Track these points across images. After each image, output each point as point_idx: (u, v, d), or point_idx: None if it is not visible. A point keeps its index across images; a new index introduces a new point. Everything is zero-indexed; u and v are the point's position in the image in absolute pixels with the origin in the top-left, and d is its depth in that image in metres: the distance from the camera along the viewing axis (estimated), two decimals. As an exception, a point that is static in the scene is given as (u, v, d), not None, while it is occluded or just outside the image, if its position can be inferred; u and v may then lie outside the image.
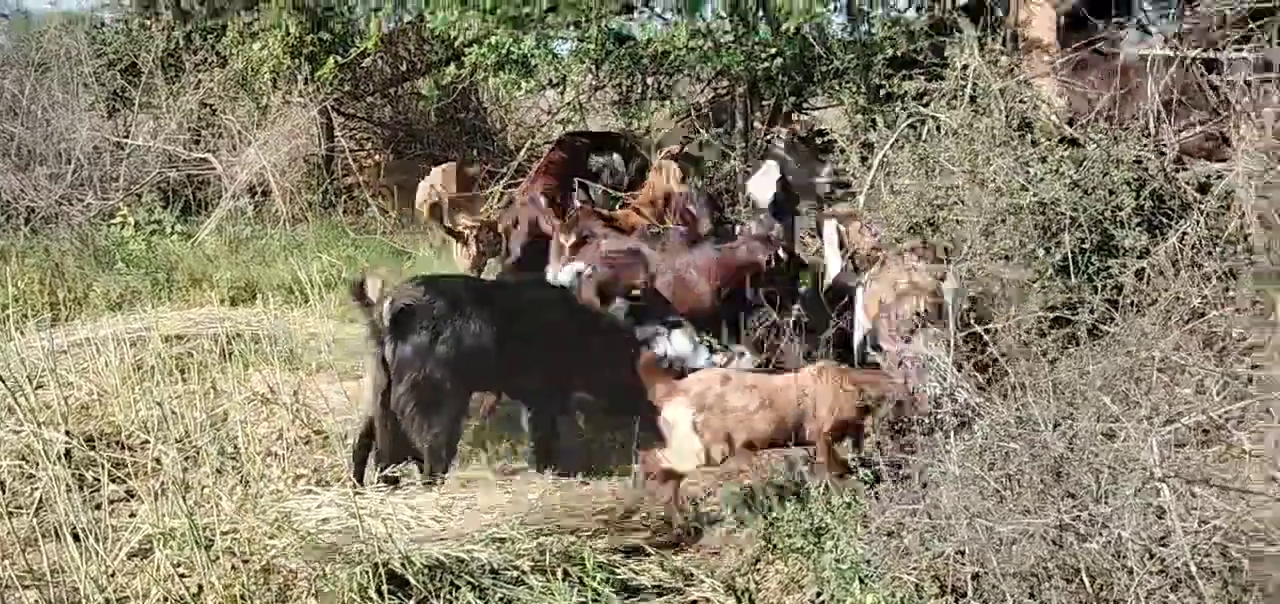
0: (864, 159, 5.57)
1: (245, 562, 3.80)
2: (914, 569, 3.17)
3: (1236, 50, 4.74)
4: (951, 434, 3.33)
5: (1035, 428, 3.08)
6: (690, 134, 7.80)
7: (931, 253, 4.76)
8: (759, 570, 4.02)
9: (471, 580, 3.74)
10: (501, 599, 3.71)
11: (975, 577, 3.05)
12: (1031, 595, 2.95)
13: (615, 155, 7.88)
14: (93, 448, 4.84)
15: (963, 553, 3.08)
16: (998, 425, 3.19)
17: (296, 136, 10.08)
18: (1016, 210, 4.36)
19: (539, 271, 6.18)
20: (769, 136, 7.29)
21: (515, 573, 3.84)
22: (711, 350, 5.21)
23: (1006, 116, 4.80)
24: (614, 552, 4.09)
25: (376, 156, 11.31)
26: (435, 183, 7.54)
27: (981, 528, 2.95)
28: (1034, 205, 4.37)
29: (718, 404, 4.27)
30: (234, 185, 9.75)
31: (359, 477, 4.54)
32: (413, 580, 3.66)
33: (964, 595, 3.05)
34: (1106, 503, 2.92)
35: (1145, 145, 4.72)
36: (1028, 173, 4.47)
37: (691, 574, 4.03)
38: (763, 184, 6.30)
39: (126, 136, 10.41)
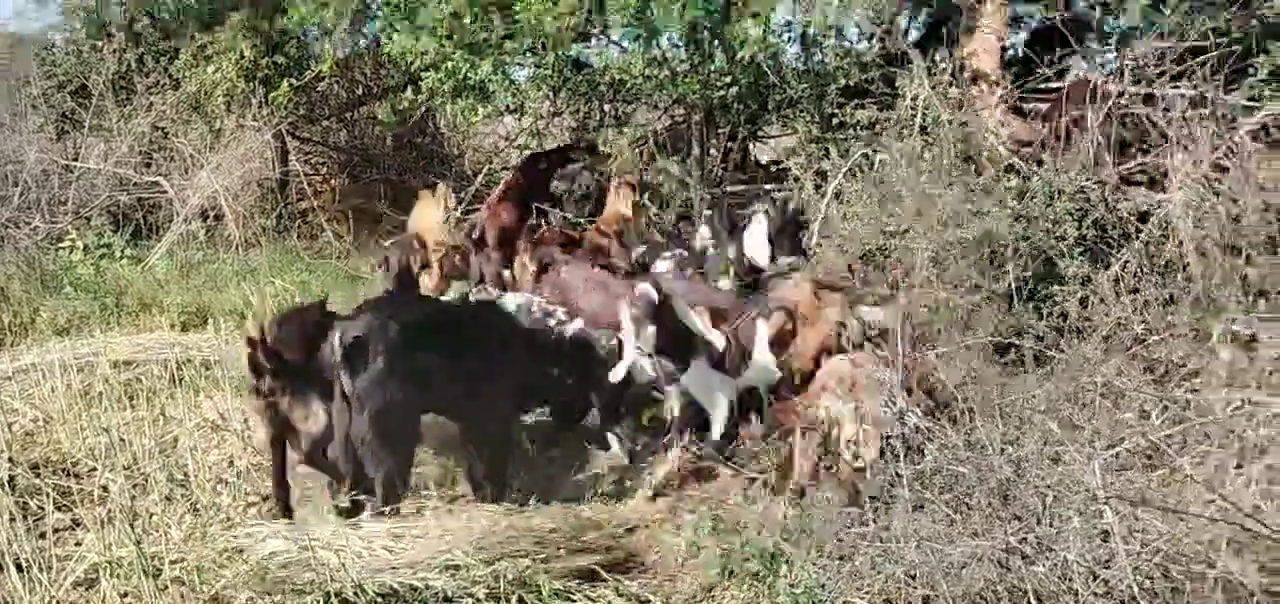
0: (818, 187, 5.66)
1: (194, 592, 3.75)
2: (866, 592, 3.21)
3: (1173, 86, 4.89)
4: (901, 458, 3.38)
5: (983, 451, 3.14)
6: (648, 162, 7.85)
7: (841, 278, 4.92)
8: (714, 597, 4.03)
9: (426, 609, 3.72)
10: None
11: (926, 599, 3.09)
12: (985, 615, 3.01)
13: (577, 177, 7.88)
14: (38, 475, 4.75)
15: (913, 576, 3.13)
16: (947, 449, 3.25)
17: (250, 160, 9.99)
18: (963, 240, 4.45)
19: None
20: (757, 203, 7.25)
21: (470, 600, 3.83)
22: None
23: (954, 148, 4.91)
24: (568, 577, 4.09)
25: (332, 181, 11.24)
26: (448, 200, 7.41)
27: (931, 551, 3.00)
28: (980, 235, 4.47)
29: (868, 387, 4.07)
30: (186, 209, 9.63)
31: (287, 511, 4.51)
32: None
33: (915, 618, 3.10)
34: (1052, 525, 2.99)
35: (1087, 176, 4.85)
36: (973, 203, 4.57)
37: (648, 600, 4.04)
38: (758, 240, 6.28)
39: (76, 159, 10.25)
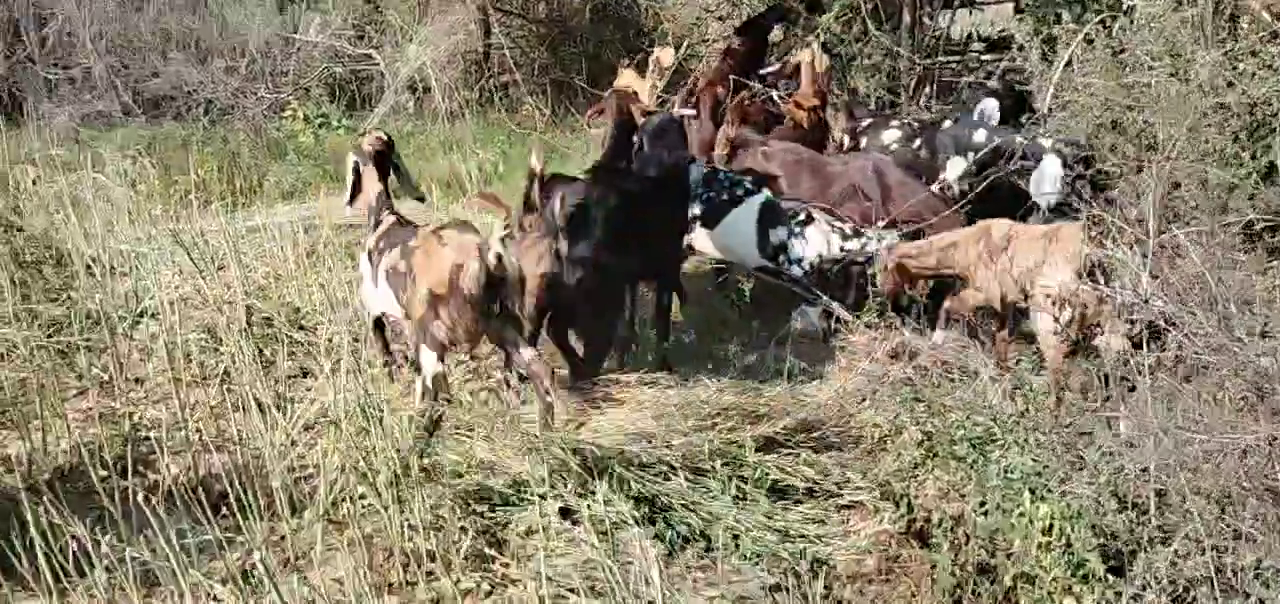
0: (1045, 57, 5.21)
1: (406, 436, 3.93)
2: (1092, 483, 3.01)
3: None
4: (1145, 345, 3.11)
5: (1240, 342, 2.85)
6: (859, 33, 7.45)
7: None
8: (917, 477, 3.91)
9: (625, 473, 3.77)
10: (653, 492, 3.72)
11: (1160, 493, 2.87)
12: (1221, 516, 2.76)
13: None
14: (270, 326, 5.09)
15: (1146, 470, 2.91)
16: (1196, 336, 2.96)
17: (455, 33, 10.22)
18: (1222, 109, 4.00)
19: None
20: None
21: (664, 468, 3.86)
22: (845, 237, 5.12)
23: (1215, 6, 4.38)
24: (763, 450, 4.07)
25: (532, 54, 11.36)
26: (665, 60, 7.29)
27: (1173, 444, 2.76)
28: (1242, 104, 4.00)
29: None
30: (396, 81, 9.98)
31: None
32: (568, 470, 3.72)
33: (1145, 511, 2.88)
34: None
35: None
36: (1236, 68, 4.09)
37: (847, 477, 3.97)
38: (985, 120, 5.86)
39: (295, 32, 10.76)
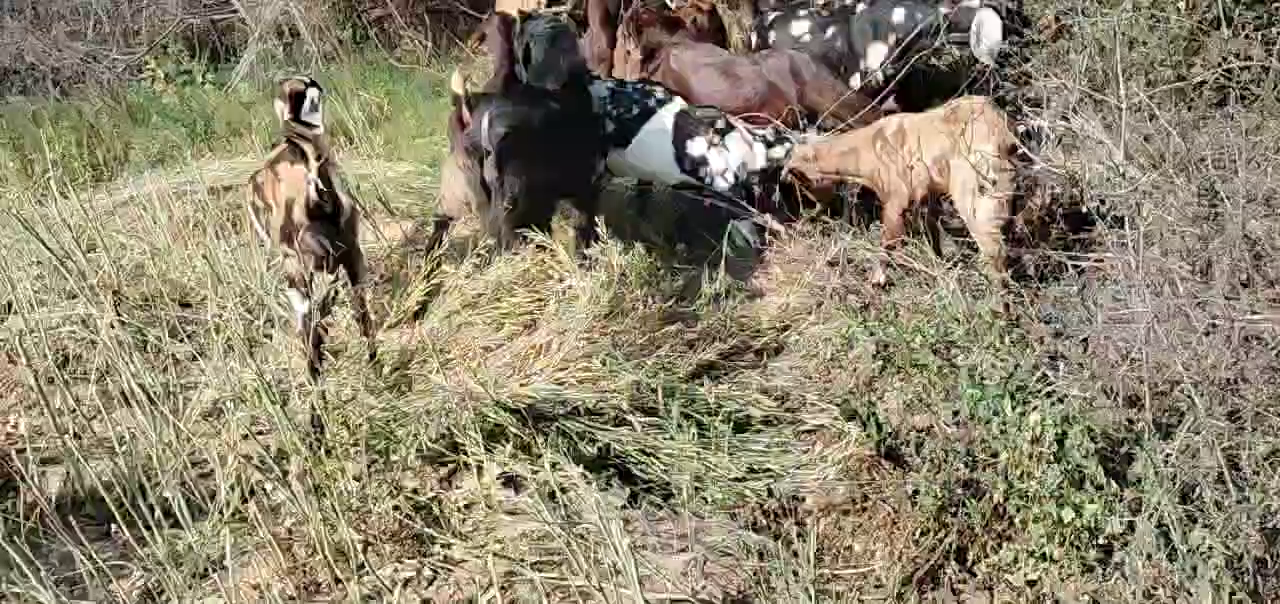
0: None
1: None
2: (1078, 380, 2.79)
3: None
4: (1127, 222, 2.86)
5: (1222, 204, 2.63)
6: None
7: None
8: (875, 391, 3.68)
9: (568, 425, 3.45)
10: (604, 442, 3.42)
11: (1168, 389, 2.66)
12: (1223, 401, 2.57)
13: None
14: (151, 307, 4.57)
15: (1135, 360, 2.70)
16: (1180, 207, 2.74)
17: (317, -32, 9.48)
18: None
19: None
20: None
21: (614, 413, 3.55)
22: (768, 144, 4.84)
23: None
24: (712, 379, 3.79)
25: (403, -17, 10.66)
26: None
27: (1165, 330, 2.55)
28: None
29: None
30: (259, 27, 9.23)
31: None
32: (508, 427, 3.38)
33: (1141, 405, 2.67)
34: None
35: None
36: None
37: (804, 399, 3.72)
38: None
39: (143, -14, 9.88)
